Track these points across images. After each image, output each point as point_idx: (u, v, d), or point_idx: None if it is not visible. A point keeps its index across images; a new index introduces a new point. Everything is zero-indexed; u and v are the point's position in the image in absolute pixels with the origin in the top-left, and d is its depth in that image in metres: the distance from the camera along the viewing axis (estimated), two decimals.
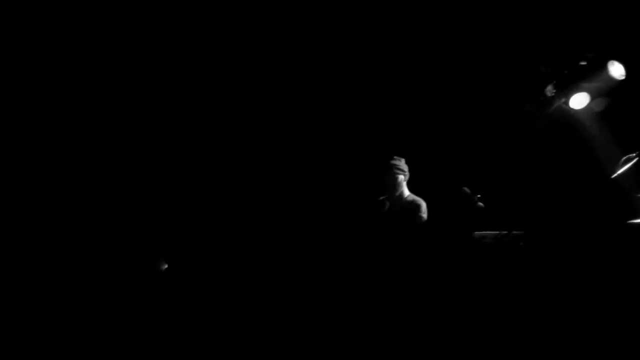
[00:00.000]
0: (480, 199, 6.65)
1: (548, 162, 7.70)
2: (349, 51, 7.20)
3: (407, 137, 7.64)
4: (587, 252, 6.32)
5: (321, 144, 7.69)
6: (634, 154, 6.86)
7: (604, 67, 7.21)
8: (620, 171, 6.89)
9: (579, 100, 7.48)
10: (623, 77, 7.16)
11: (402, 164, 6.82)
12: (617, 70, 7.18)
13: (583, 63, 7.34)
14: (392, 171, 6.75)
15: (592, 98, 7.51)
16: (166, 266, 6.44)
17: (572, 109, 7.52)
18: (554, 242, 6.51)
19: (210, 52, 7.07)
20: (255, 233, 7.27)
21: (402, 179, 6.81)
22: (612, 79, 7.21)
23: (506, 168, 7.66)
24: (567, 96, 7.48)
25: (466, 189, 6.70)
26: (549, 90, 7.44)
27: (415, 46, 7.24)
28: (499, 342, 5.89)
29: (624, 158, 6.92)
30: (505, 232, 6.51)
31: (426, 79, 7.57)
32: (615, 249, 6.29)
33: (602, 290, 6.06)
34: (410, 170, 6.86)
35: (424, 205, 6.76)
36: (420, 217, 6.68)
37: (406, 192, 6.84)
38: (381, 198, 6.87)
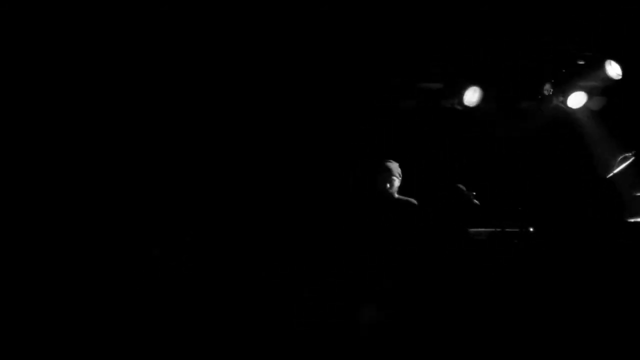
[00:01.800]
0: (475, 197, 6.61)
1: (545, 161, 7.67)
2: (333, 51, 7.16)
3: (402, 135, 7.60)
4: (585, 251, 6.28)
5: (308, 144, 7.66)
6: (630, 154, 6.86)
7: (601, 66, 7.21)
8: (616, 170, 6.89)
9: (576, 99, 7.47)
10: (620, 77, 7.15)
11: (397, 167, 6.70)
12: (614, 69, 7.16)
13: (581, 62, 7.33)
14: (391, 173, 6.61)
15: (590, 97, 7.51)
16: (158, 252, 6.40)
17: (569, 107, 7.51)
18: (551, 240, 6.47)
19: (210, 52, 7.02)
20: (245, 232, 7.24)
21: (398, 183, 6.68)
22: (609, 78, 7.19)
23: (503, 166, 7.62)
24: (565, 95, 7.47)
25: (461, 187, 6.65)
26: (547, 88, 7.42)
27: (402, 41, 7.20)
28: (494, 341, 5.83)
29: (621, 157, 6.92)
30: (500, 229, 6.47)
31: (419, 75, 7.54)
32: (613, 248, 6.25)
33: (600, 290, 6.01)
34: (405, 168, 6.78)
35: (416, 205, 6.67)
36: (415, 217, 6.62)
37: (397, 195, 6.72)
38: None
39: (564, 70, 7.36)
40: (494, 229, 6.59)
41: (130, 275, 6.72)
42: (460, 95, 7.48)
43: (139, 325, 6.26)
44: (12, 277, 6.51)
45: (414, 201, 6.69)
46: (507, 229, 6.57)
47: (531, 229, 6.62)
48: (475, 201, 6.71)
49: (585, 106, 7.54)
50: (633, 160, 6.85)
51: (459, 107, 7.55)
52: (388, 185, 6.67)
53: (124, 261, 6.82)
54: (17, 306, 6.32)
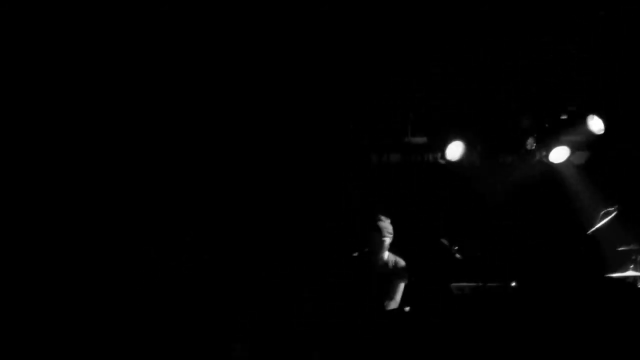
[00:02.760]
0: (458, 251, 6.62)
1: (528, 215, 7.67)
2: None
3: (386, 189, 7.63)
4: (566, 307, 6.26)
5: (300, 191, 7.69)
6: (612, 208, 6.86)
7: (583, 121, 7.25)
8: (598, 225, 6.89)
9: (559, 154, 7.50)
10: (602, 132, 7.19)
11: (389, 225, 6.67)
12: (596, 124, 7.21)
13: (563, 117, 7.38)
14: (381, 233, 6.58)
15: (572, 151, 7.54)
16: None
17: (552, 162, 7.54)
18: (532, 295, 6.46)
19: (210, 52, 7.06)
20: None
21: (389, 241, 6.67)
22: (591, 133, 7.24)
23: (485, 220, 7.63)
24: (548, 149, 7.50)
25: (444, 241, 6.66)
26: (530, 143, 7.45)
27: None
28: None
29: (603, 212, 6.92)
30: (482, 284, 6.46)
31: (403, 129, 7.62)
32: (595, 304, 6.23)
33: (581, 346, 5.98)
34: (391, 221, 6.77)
35: (405, 266, 6.66)
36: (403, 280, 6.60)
37: (387, 253, 6.71)
38: (355, 254, 6.73)
39: (546, 125, 7.40)
40: (476, 284, 6.58)
41: (131, 274, 6.75)
42: (443, 149, 7.55)
43: (139, 324, 6.27)
44: (14, 276, 6.55)
45: (402, 262, 6.69)
46: (490, 284, 6.56)
47: (513, 284, 6.62)
48: (458, 255, 6.73)
49: (568, 160, 7.57)
50: (615, 215, 6.86)
51: (442, 162, 7.61)
52: (379, 244, 6.68)
53: (124, 261, 6.85)
54: (18, 305, 6.35)
